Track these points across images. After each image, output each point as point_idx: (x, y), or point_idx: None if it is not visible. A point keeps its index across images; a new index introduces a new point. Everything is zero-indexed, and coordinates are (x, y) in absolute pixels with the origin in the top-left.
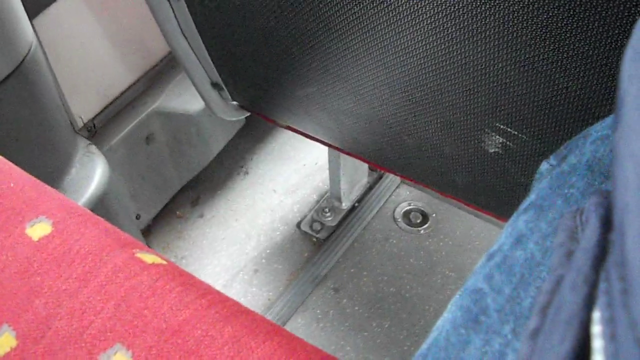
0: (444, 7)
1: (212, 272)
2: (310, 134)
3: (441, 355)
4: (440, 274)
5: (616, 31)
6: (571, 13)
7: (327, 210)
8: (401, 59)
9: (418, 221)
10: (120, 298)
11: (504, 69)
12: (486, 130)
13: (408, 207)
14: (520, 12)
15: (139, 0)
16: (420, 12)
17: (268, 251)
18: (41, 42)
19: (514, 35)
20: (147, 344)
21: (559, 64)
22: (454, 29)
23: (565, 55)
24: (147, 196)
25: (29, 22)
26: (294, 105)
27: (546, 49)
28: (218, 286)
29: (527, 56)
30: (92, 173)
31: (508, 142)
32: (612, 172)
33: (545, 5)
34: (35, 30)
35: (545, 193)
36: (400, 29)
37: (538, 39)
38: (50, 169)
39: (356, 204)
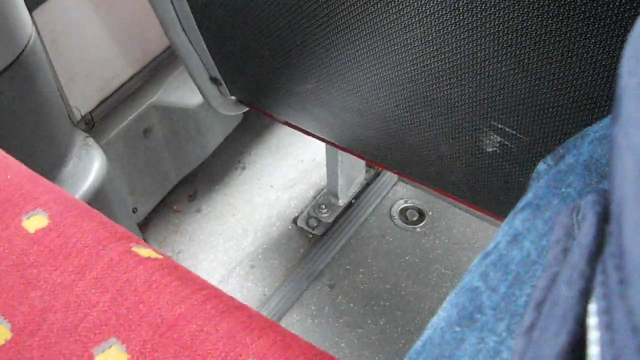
0: (444, 5)
1: (209, 267)
2: (308, 130)
3: (435, 352)
4: (436, 272)
5: (615, 33)
6: (571, 14)
7: (323, 206)
8: (400, 56)
9: (414, 219)
10: (115, 291)
11: (503, 69)
12: (484, 129)
13: (405, 205)
14: (521, 12)
15: None
16: (420, 10)
17: (264, 246)
18: (40, 34)
19: (514, 35)
20: (141, 338)
21: (558, 64)
22: (453, 27)
23: (564, 56)
24: (144, 190)
25: (28, 14)
26: (292, 101)
27: (545, 50)
28: (214, 281)
29: (526, 56)
30: (90, 166)
31: (506, 142)
32: (610, 165)
33: (546, 5)
34: (34, 22)
35: (542, 192)
36: (399, 26)
37: (538, 40)
38: (47, 161)
39: (353, 201)
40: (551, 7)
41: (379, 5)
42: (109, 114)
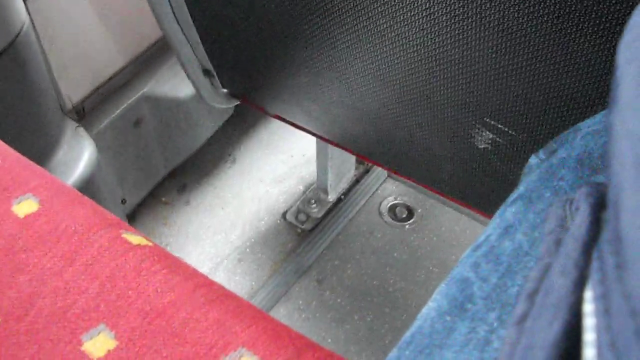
0: (438, 1)
1: (196, 260)
2: (299, 124)
3: (425, 342)
4: (424, 269)
5: (609, 30)
6: (566, 11)
7: (313, 201)
8: (393, 51)
9: (403, 216)
10: (105, 278)
11: (497, 65)
12: (476, 125)
13: (394, 202)
14: (515, 9)
15: None
16: (414, 6)
17: (253, 240)
18: (33, 22)
19: (508, 31)
20: (130, 324)
21: (552, 61)
22: (447, 23)
23: (557, 54)
24: (133, 181)
25: (22, 1)
26: (284, 95)
27: (539, 46)
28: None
29: (520, 53)
30: (80, 156)
31: (497, 138)
32: (608, 151)
33: (539, 4)
34: (28, 10)
35: (534, 185)
36: (393, 22)
37: (532, 36)
38: (37, 149)
39: (342, 197)
40: (544, 5)
41: (373, 0)
42: (100, 104)
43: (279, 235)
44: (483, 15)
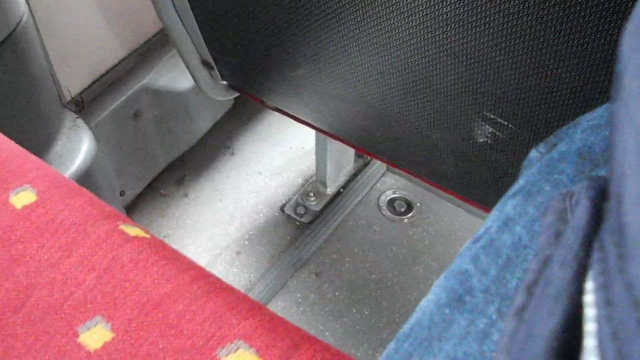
0: None
1: (195, 252)
2: (298, 117)
3: (424, 334)
4: (423, 264)
5: (611, 23)
6: (568, 3)
7: (311, 194)
8: (393, 44)
9: (402, 210)
10: (102, 270)
11: (497, 58)
12: (476, 119)
13: (393, 196)
14: (514, 3)
15: None
16: None
17: (251, 233)
18: (33, 14)
19: (509, 24)
20: (127, 316)
21: (553, 55)
22: (448, 15)
23: (559, 47)
24: (132, 173)
25: None
26: (283, 87)
27: (540, 39)
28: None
29: (521, 46)
30: (78, 147)
31: (497, 132)
32: (610, 140)
33: None
34: (27, 1)
35: (534, 179)
36: (393, 14)
37: (533, 29)
38: (36, 141)
39: (341, 190)
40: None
41: None
42: (99, 96)
43: (277, 228)
44: (483, 7)
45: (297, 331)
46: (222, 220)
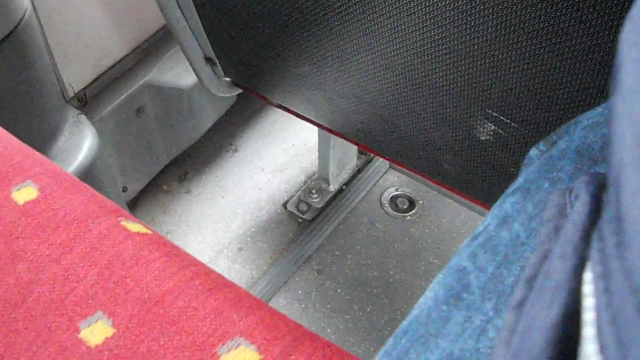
0: None
1: (197, 248)
2: (301, 113)
3: (421, 330)
4: (425, 261)
5: (612, 23)
6: (569, 4)
7: (314, 191)
8: (395, 41)
9: (405, 207)
10: (103, 266)
11: (500, 56)
12: (478, 116)
13: (395, 193)
14: (518, 3)
15: None
16: None
17: (253, 230)
18: (36, 10)
19: (512, 23)
20: (128, 312)
21: (555, 53)
22: (451, 13)
23: (561, 46)
24: (134, 169)
25: None
26: (286, 84)
27: (542, 39)
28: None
29: (523, 45)
30: (81, 143)
31: (499, 130)
32: (609, 133)
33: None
34: None
35: (533, 176)
36: (397, 11)
37: (535, 29)
38: (39, 137)
39: (344, 187)
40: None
41: None
42: (102, 92)
43: (279, 224)
44: (487, 7)
45: (298, 328)
46: (225, 216)
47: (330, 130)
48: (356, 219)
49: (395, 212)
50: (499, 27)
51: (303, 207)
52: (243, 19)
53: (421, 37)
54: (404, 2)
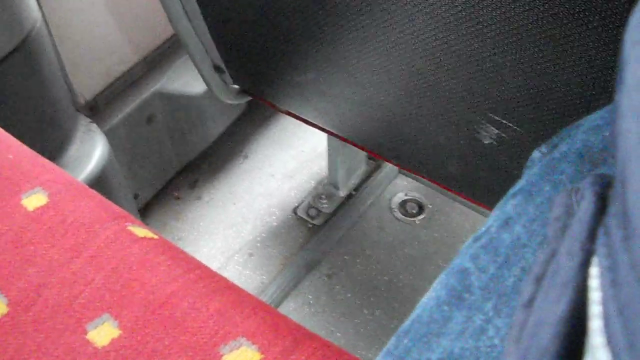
0: None
1: (208, 254)
2: (309, 120)
3: (423, 330)
4: (434, 265)
5: (614, 27)
6: (572, 9)
7: (324, 197)
8: (401, 47)
9: (414, 211)
10: (110, 269)
11: (503, 61)
12: (482, 121)
13: (405, 197)
14: (522, 6)
15: None
16: (422, 1)
17: (264, 235)
18: (46, 19)
19: (515, 28)
20: (134, 314)
21: (558, 58)
22: (454, 18)
23: (562, 50)
24: (145, 176)
25: None
26: (293, 91)
27: (544, 43)
28: (213, 268)
29: (525, 49)
30: (92, 151)
31: (503, 134)
32: (614, 128)
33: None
34: (40, 7)
35: (534, 179)
36: (401, 18)
37: (538, 34)
38: (50, 145)
39: (353, 192)
40: (549, 5)
41: None
42: (112, 100)
43: (289, 230)
44: (490, 12)
45: (299, 329)
46: (235, 222)
47: (338, 136)
48: (366, 223)
49: (404, 217)
50: (500, 32)
51: (313, 212)
52: (249, 27)
53: (424, 43)
54: (406, 9)
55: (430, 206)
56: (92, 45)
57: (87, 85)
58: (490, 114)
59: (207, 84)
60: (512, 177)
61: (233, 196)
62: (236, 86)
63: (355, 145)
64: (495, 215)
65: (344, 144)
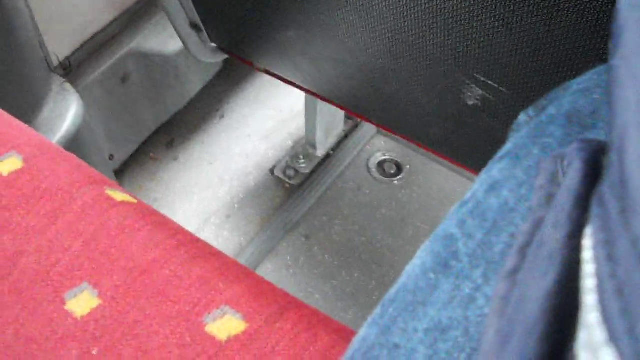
0: None
1: (184, 216)
2: (288, 79)
3: (409, 298)
4: (412, 226)
5: None
6: None
7: (301, 157)
8: (384, 5)
9: (392, 172)
10: (88, 236)
11: (489, 19)
12: (466, 81)
13: (382, 158)
14: None
15: None
16: None
17: (241, 196)
18: None
19: None
20: (113, 283)
21: (544, 16)
22: None
23: (550, 8)
24: (121, 137)
25: None
26: (273, 49)
27: (537, 2)
28: (190, 230)
29: (511, 8)
30: (66, 111)
31: (488, 95)
32: (610, 95)
33: None
34: None
35: (522, 142)
36: None
37: None
38: (23, 106)
39: (331, 152)
40: None
41: None
42: (86, 60)
43: (267, 190)
44: None
45: (285, 296)
46: (212, 183)
47: (317, 96)
48: (343, 184)
49: (382, 177)
50: None
51: (290, 172)
52: None
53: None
54: None
55: (408, 167)
56: (65, 3)
57: (61, 44)
58: (476, 74)
59: (184, 42)
60: (497, 139)
61: (209, 156)
62: (213, 44)
63: (334, 104)
64: (482, 180)
65: (322, 104)
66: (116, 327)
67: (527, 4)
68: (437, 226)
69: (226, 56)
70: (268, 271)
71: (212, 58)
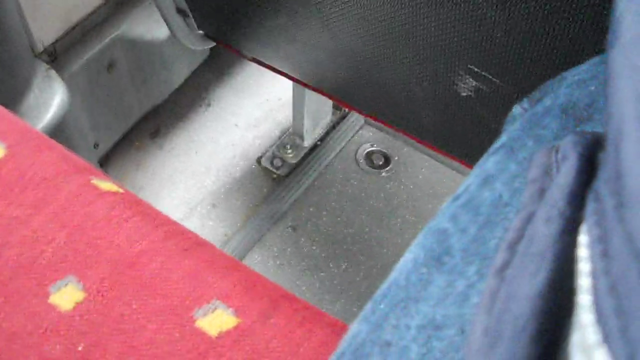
0: None
1: (170, 205)
2: (276, 67)
3: (401, 294)
4: (400, 218)
5: None
6: None
7: (288, 146)
8: None
9: (380, 163)
10: (73, 227)
11: (483, 8)
12: (459, 72)
13: (370, 149)
14: None
15: None
16: None
17: (227, 186)
18: None
19: None
20: (99, 275)
21: (541, 8)
22: None
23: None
24: (106, 125)
25: None
26: (261, 36)
27: None
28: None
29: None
30: (51, 99)
31: (481, 86)
32: (607, 87)
33: None
34: None
35: (516, 134)
36: None
37: None
38: (7, 93)
39: (318, 142)
40: None
41: None
42: (72, 46)
43: (253, 180)
44: None
45: (276, 289)
46: (198, 172)
47: (305, 84)
48: (331, 175)
49: (370, 168)
50: None
51: (277, 162)
52: None
53: None
54: None
55: (396, 158)
56: None
57: (46, 30)
58: (470, 65)
59: (170, 28)
60: (490, 130)
61: (195, 145)
62: (201, 31)
63: (323, 93)
64: (475, 173)
65: (311, 93)
66: (102, 321)
67: None
68: (425, 218)
69: (213, 44)
70: (254, 262)
71: (199, 45)
